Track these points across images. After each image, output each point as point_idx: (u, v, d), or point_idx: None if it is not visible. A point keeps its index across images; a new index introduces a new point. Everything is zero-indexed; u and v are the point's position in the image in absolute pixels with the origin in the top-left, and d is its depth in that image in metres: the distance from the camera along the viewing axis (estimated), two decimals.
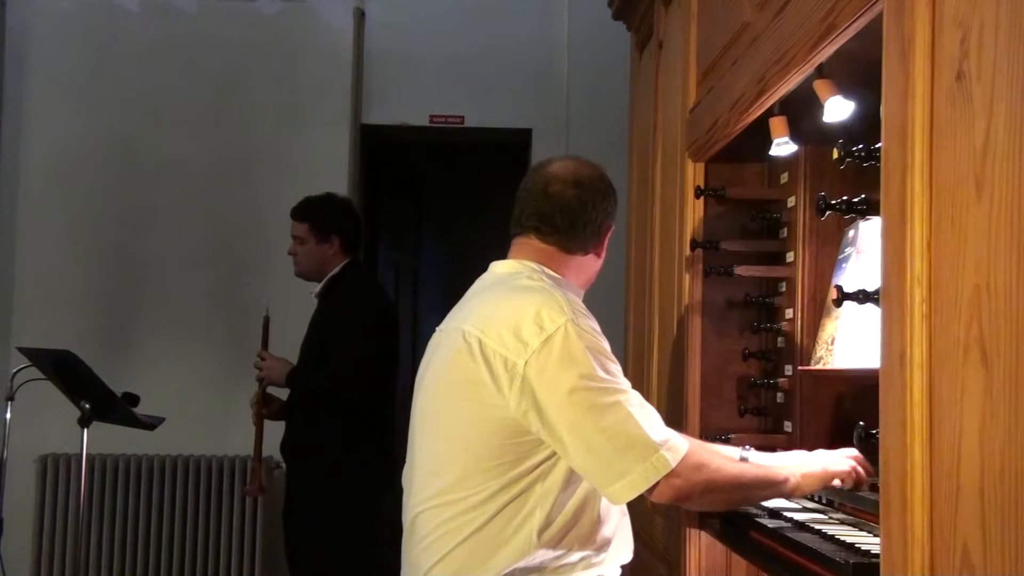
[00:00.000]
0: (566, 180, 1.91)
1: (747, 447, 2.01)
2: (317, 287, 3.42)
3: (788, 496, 1.87)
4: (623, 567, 1.83)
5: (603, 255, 1.96)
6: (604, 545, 1.77)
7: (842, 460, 1.89)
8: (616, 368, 1.72)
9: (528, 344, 1.66)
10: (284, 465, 3.48)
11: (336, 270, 3.40)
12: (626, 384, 1.71)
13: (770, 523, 1.87)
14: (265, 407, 3.34)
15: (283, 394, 3.40)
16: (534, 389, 1.66)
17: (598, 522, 1.76)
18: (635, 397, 1.70)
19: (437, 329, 1.90)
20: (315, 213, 3.42)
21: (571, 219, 1.89)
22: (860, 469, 1.88)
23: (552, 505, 1.70)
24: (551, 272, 1.86)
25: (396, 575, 1.88)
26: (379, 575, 3.09)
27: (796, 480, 1.83)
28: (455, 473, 1.73)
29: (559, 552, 1.72)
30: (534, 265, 1.86)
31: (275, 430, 3.41)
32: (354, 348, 3.25)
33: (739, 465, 1.83)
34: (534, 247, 1.90)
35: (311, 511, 3.30)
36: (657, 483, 1.65)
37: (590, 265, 1.94)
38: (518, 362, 1.67)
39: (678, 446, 1.67)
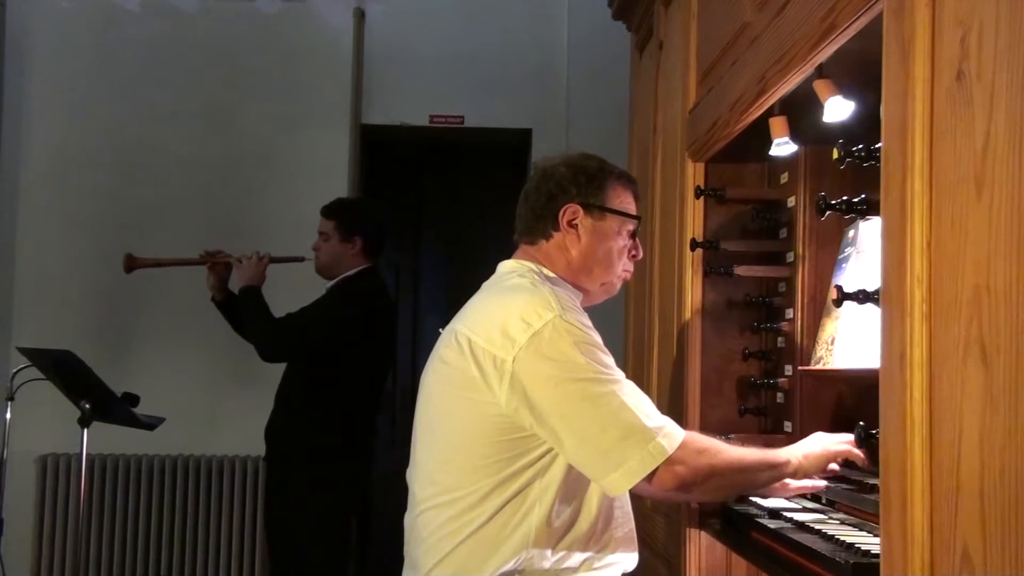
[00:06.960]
0: (533, 175, 1.94)
1: (731, 437, 2.01)
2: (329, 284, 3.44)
3: (791, 477, 1.84)
4: (625, 574, 1.81)
5: (583, 235, 1.87)
6: (606, 549, 1.76)
7: (839, 442, 1.88)
8: (609, 359, 1.71)
9: (516, 340, 1.66)
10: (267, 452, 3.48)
11: (351, 272, 3.40)
12: (619, 374, 1.70)
13: (770, 523, 1.86)
14: (216, 267, 3.49)
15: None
16: (524, 385, 1.65)
17: (600, 524, 1.74)
18: (628, 386, 1.69)
19: (440, 330, 1.90)
20: (343, 212, 3.45)
21: (528, 207, 1.92)
22: (856, 450, 1.86)
23: (552, 503, 1.69)
24: (547, 271, 1.86)
25: (394, 574, 1.88)
26: (370, 572, 3.09)
27: (798, 461, 1.81)
28: (453, 473, 1.73)
29: (559, 554, 1.71)
30: (531, 264, 1.87)
31: (260, 419, 3.43)
32: (307, 316, 3.32)
33: (739, 449, 1.81)
34: (521, 249, 1.93)
35: (291, 505, 3.31)
36: (657, 471, 1.63)
37: (568, 248, 1.87)
38: (506, 359, 1.66)
39: (674, 433, 1.66)
